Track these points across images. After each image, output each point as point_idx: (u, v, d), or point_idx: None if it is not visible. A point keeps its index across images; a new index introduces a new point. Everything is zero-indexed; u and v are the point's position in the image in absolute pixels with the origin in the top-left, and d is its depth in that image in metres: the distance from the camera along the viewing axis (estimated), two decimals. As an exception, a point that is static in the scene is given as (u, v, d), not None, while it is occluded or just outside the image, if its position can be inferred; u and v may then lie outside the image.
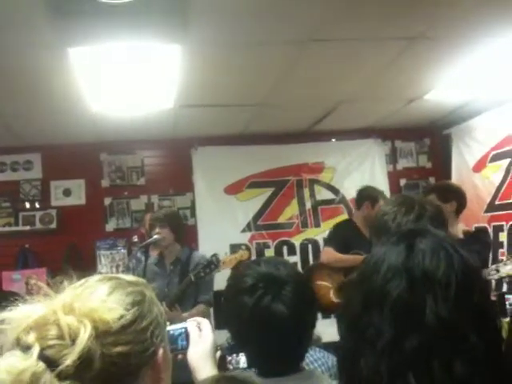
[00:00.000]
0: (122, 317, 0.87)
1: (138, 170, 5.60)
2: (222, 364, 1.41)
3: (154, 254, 4.17)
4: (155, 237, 3.83)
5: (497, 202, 4.90)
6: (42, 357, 0.80)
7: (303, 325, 1.46)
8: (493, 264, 3.33)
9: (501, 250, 4.69)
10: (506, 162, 4.76)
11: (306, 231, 5.60)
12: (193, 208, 5.52)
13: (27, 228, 5.25)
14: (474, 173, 5.20)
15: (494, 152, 4.93)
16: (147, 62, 3.32)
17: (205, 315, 1.47)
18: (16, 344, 0.82)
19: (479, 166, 5.15)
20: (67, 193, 5.45)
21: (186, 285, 3.72)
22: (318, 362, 1.76)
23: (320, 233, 5.55)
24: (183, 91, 3.92)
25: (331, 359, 1.78)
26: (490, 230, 4.83)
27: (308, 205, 5.63)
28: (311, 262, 5.45)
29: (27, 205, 5.38)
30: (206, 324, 1.46)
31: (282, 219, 5.58)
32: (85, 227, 5.29)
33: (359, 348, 0.89)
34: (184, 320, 1.50)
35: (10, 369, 0.79)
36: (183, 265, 3.88)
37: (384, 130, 5.69)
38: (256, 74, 3.75)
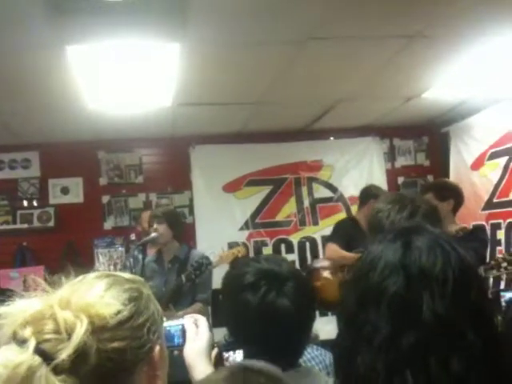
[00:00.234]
0: (118, 312, 0.87)
1: (136, 168, 5.60)
2: (219, 361, 1.41)
3: (151, 253, 4.16)
4: (153, 235, 3.82)
5: (495, 200, 4.91)
6: (38, 351, 0.80)
7: (306, 319, 1.48)
8: (490, 261, 3.33)
9: (498, 248, 4.70)
10: (503, 160, 4.77)
11: (304, 229, 5.60)
12: (191, 206, 5.52)
13: (25, 226, 5.25)
14: (472, 171, 5.21)
15: (492, 150, 4.94)
16: (145, 60, 3.32)
17: (201, 314, 1.47)
18: (12, 338, 0.83)
19: (477, 164, 5.15)
20: (65, 191, 5.45)
21: (177, 286, 3.72)
22: (315, 359, 1.76)
23: (318, 231, 5.57)
24: (181, 89, 3.92)
25: (329, 357, 1.78)
26: (488, 228, 4.83)
27: (306, 203, 5.64)
28: (309, 260, 5.45)
29: (25, 203, 5.38)
30: (203, 321, 1.46)
31: (280, 217, 5.59)
32: (83, 225, 5.29)
33: (356, 345, 0.89)
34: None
35: (5, 362, 0.79)
36: (181, 263, 3.88)
37: (382, 128, 5.70)
38: (254, 73, 3.75)
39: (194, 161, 5.50)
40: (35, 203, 5.39)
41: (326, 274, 4.18)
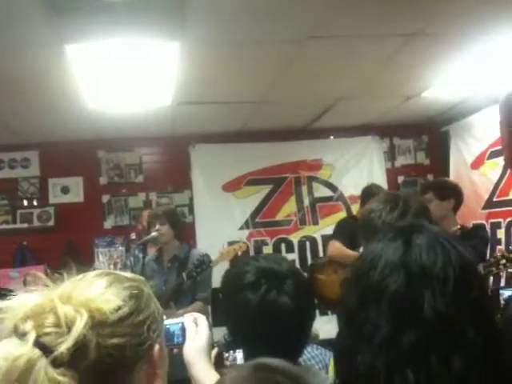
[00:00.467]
0: (119, 308, 0.88)
1: (136, 168, 5.60)
2: (219, 360, 1.41)
3: (151, 252, 4.16)
4: (154, 234, 3.82)
5: (495, 199, 4.91)
6: (38, 343, 0.81)
7: (306, 318, 1.48)
8: (489, 258, 3.33)
9: (498, 247, 4.69)
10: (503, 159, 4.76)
11: (304, 228, 5.60)
12: (191, 205, 5.52)
13: (25, 225, 5.25)
14: (472, 170, 5.21)
15: (491, 149, 4.94)
16: (145, 59, 3.32)
17: (201, 312, 1.48)
18: (14, 332, 0.84)
19: (477, 163, 5.15)
20: (65, 190, 5.45)
21: (178, 284, 3.71)
22: (315, 359, 1.76)
23: (318, 230, 5.57)
24: (181, 88, 3.92)
25: (328, 356, 1.78)
26: (488, 227, 4.83)
27: (306, 202, 5.64)
28: (309, 259, 5.46)
29: (25, 202, 5.38)
30: (203, 320, 1.46)
31: (280, 216, 5.59)
32: (83, 225, 5.29)
33: (356, 344, 0.89)
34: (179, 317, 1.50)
35: (5, 355, 0.80)
36: (181, 262, 3.87)
37: (382, 127, 5.69)
38: (254, 72, 3.75)
39: (194, 160, 5.50)
40: (35, 203, 5.39)
41: (328, 271, 4.18)
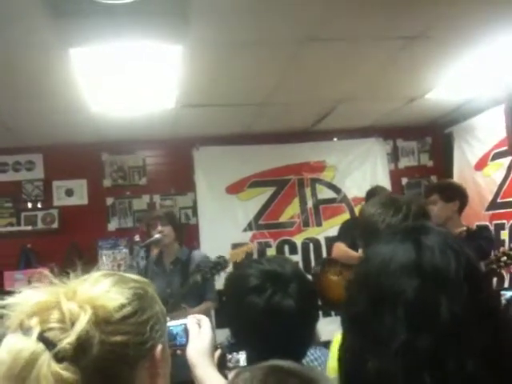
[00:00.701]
0: (123, 306, 0.89)
1: (139, 170, 5.61)
2: (222, 362, 1.42)
3: (154, 254, 4.17)
4: (157, 236, 3.83)
5: (498, 200, 4.90)
6: (42, 338, 0.83)
7: (309, 319, 1.49)
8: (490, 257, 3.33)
9: (502, 249, 4.68)
10: (507, 160, 4.75)
11: (307, 230, 5.60)
12: (194, 208, 5.53)
13: (29, 228, 5.26)
14: (476, 171, 5.20)
15: (495, 150, 4.93)
16: (148, 62, 3.33)
17: (207, 314, 1.49)
18: (19, 327, 0.85)
19: (481, 164, 5.14)
20: (69, 193, 5.46)
21: (193, 285, 3.71)
22: (317, 360, 1.76)
23: (321, 232, 5.56)
24: (184, 91, 3.93)
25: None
26: (492, 229, 4.82)
27: (309, 204, 5.63)
28: (313, 261, 5.45)
29: (29, 205, 5.39)
30: (206, 321, 1.47)
31: (283, 218, 5.58)
32: (87, 227, 5.31)
33: (366, 349, 0.87)
34: None
35: (10, 348, 0.82)
36: (183, 264, 3.88)
37: (385, 128, 5.69)
38: (257, 74, 3.75)
39: (197, 162, 5.50)
40: (39, 205, 5.40)
41: (333, 272, 4.18)
